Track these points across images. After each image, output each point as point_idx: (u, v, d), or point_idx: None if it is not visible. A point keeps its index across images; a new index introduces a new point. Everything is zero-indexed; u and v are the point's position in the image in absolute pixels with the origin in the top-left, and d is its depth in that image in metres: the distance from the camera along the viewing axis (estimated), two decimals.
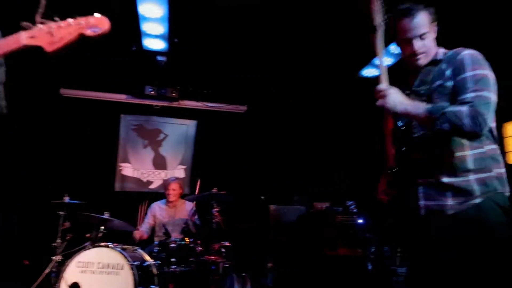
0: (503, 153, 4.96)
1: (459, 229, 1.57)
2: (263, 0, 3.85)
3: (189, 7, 4.03)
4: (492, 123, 1.64)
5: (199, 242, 3.92)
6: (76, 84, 5.60)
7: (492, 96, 1.58)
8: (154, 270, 3.64)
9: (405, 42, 1.76)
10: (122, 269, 3.45)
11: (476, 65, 1.63)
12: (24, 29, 1.23)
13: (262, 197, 4.83)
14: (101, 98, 5.72)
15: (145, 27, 4.36)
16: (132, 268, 3.42)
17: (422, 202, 1.67)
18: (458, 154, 1.62)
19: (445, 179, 1.62)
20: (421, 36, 1.72)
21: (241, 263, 4.30)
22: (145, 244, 4.27)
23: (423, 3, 1.75)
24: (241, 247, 4.47)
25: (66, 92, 5.60)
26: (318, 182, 5.59)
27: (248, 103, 6.12)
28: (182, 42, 4.68)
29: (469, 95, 1.57)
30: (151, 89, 5.57)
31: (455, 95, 1.62)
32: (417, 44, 1.73)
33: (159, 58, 5.02)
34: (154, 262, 3.67)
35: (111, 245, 3.56)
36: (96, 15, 1.28)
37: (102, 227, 3.77)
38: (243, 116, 6.13)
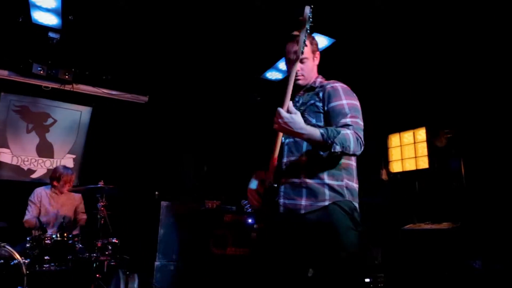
0: (387, 162, 5.50)
1: (308, 227, 1.80)
2: None
3: None
4: None
5: (77, 238, 3.64)
6: None
7: (362, 123, 1.91)
8: (24, 270, 3.27)
9: (289, 62, 2.03)
10: None
11: (348, 95, 1.95)
12: None
13: (156, 192, 4.67)
14: None
15: None
16: None
17: (281, 200, 1.89)
18: (317, 161, 1.87)
19: (302, 180, 1.86)
20: (301, 60, 1.99)
21: (129, 262, 4.11)
22: (18, 239, 3.82)
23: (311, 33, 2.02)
24: (129, 245, 4.26)
25: None
26: (214, 179, 5.60)
27: (150, 94, 5.87)
28: (78, 19, 4.29)
29: (348, 120, 1.85)
30: (40, 68, 4.99)
31: (331, 116, 1.90)
32: (298, 66, 1.98)
33: (51, 34, 4.52)
34: (24, 261, 3.30)
35: None
36: None
37: None
38: (143, 107, 5.86)
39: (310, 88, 2.07)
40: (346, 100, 1.91)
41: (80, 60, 5.20)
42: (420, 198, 4.80)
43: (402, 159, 5.43)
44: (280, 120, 1.74)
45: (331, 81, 2.05)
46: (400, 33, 4.14)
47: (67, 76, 5.17)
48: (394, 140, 5.57)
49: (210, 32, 4.39)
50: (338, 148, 1.73)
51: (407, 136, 5.43)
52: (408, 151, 5.37)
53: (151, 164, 5.47)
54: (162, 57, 4.99)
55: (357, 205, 1.89)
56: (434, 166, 4.84)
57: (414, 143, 5.32)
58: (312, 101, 1.98)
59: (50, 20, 4.29)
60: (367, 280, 4.14)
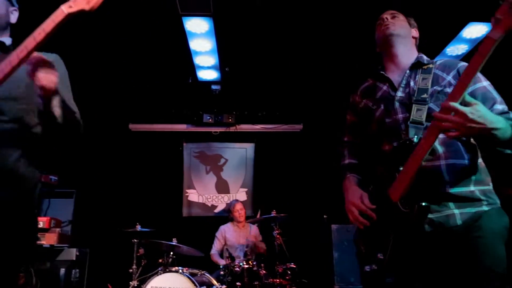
0: None
1: (464, 239, 1.42)
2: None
3: (235, 37, 4.22)
4: None
5: (262, 265, 3.97)
6: (142, 118, 6.05)
7: None
8: None
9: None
10: None
11: (483, 76, 1.54)
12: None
13: (325, 216, 4.74)
14: (165, 129, 6.11)
15: (198, 60, 4.63)
16: None
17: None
18: (459, 164, 1.47)
19: (448, 190, 1.45)
20: (392, 15, 1.73)
21: (308, 286, 4.24)
22: (213, 268, 4.40)
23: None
24: (306, 269, 4.41)
25: (134, 126, 6.08)
26: None
27: (303, 122, 6.13)
28: (233, 69, 4.88)
29: (504, 107, 1.47)
30: (208, 117, 5.83)
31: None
32: (386, 15, 1.73)
33: (214, 87, 5.27)
34: (220, 286, 3.77)
35: (181, 270, 3.74)
36: None
37: (172, 253, 3.97)
38: (299, 134, 6.14)
39: (418, 64, 1.64)
40: (486, 81, 1.53)
41: (239, 103, 5.86)
42: None
43: None
44: (459, 119, 1.25)
45: (449, 59, 1.66)
46: None
47: (230, 119, 5.88)
48: None
49: (358, 50, 4.36)
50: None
51: None
52: None
53: (315, 188, 5.61)
54: (309, 83, 5.18)
55: None
56: None
57: None
58: (438, 88, 1.53)
59: (211, 75, 5.01)
60: None
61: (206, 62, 4.68)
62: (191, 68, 4.82)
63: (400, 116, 1.58)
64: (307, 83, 5.16)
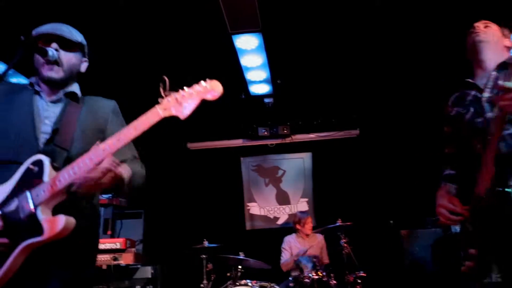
0: None
1: None
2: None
3: (285, 49, 4.26)
4: None
5: (332, 275, 3.89)
6: (199, 137, 6.26)
7: None
8: None
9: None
10: None
11: None
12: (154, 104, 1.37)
13: (391, 221, 4.55)
14: (222, 145, 6.28)
15: (249, 75, 4.74)
16: None
17: None
18: None
19: None
20: (485, 24, 1.77)
21: None
22: (282, 280, 4.38)
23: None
24: (377, 277, 4.26)
25: (192, 145, 6.31)
26: None
27: (360, 127, 6.01)
28: (285, 81, 4.92)
29: None
30: (263, 130, 5.91)
31: None
32: (479, 23, 1.77)
33: (266, 100, 5.35)
34: None
35: (250, 283, 3.77)
36: (209, 80, 1.41)
37: (240, 267, 4.02)
38: (356, 140, 6.02)
39: (504, 65, 1.67)
40: None
41: (293, 114, 5.89)
42: None
43: None
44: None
45: None
46: None
47: (285, 131, 5.91)
48: None
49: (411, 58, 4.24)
50: None
51: None
52: None
53: (378, 194, 5.44)
54: (365, 90, 5.10)
55: None
56: None
57: None
58: None
59: (263, 89, 5.11)
60: None
61: (257, 77, 4.78)
62: (243, 83, 4.93)
63: (490, 114, 1.63)
64: (361, 87, 5.06)
